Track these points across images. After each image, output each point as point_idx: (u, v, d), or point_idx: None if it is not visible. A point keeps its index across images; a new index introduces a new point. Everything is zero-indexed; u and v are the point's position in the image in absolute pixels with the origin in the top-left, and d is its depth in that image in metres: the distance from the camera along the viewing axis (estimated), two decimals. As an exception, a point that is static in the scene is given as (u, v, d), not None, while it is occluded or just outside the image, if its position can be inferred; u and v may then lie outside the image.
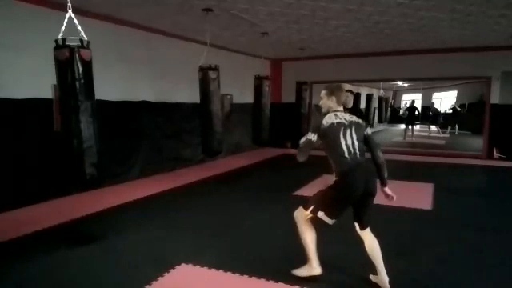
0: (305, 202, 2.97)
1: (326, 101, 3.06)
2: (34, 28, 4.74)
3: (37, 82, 4.78)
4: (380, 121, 18.56)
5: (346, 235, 3.26)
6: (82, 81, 3.35)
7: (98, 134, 3.50)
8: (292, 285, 2.89)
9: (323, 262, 3.04)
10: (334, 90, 3.07)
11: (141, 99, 6.58)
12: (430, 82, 18.71)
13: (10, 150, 4.59)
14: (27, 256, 3.39)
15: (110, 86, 5.92)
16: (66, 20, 3.33)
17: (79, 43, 3.30)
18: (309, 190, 5.94)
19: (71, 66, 3.29)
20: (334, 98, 3.03)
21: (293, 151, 10.15)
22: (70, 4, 3.32)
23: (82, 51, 3.31)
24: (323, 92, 3.08)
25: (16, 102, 4.63)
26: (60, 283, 2.96)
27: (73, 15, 3.34)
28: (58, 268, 3.20)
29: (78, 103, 3.35)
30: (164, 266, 3.18)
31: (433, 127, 17.94)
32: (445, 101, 22.19)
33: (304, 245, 3.02)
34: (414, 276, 3.12)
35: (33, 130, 4.82)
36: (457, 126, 17.43)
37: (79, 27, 3.34)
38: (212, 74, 5.49)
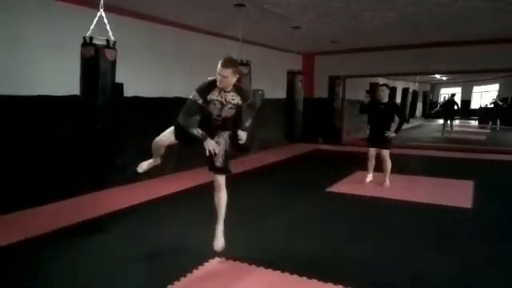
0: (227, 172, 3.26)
1: (232, 79, 3.05)
2: (73, 26, 4.89)
3: (76, 79, 4.94)
4: (412, 115, 17.84)
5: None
6: (104, 79, 3.47)
7: (105, 131, 3.63)
8: (325, 282, 2.86)
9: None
10: (235, 65, 3.04)
11: (174, 95, 6.69)
12: (469, 75, 17.91)
13: (50, 144, 4.81)
14: (69, 245, 3.55)
15: (145, 83, 6.07)
16: (96, 19, 3.44)
17: (105, 43, 3.40)
18: (342, 187, 5.88)
19: (95, 63, 3.40)
20: (238, 75, 3.08)
21: (325, 147, 10.08)
22: (102, 3, 3.43)
23: (107, 51, 3.41)
24: (229, 70, 2.96)
25: (56, 98, 4.82)
26: (97, 271, 3.07)
27: (103, 14, 3.44)
28: (94, 257, 3.32)
29: (97, 100, 3.47)
30: (198, 259, 3.22)
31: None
32: (486, 94, 21.28)
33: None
34: (448, 274, 3.02)
35: (71, 126, 4.99)
36: (498, 121, 16.67)
37: (108, 27, 3.44)
38: (243, 70, 5.48)
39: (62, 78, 4.85)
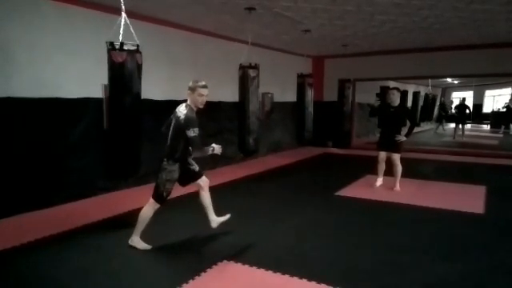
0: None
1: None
2: (87, 31, 4.98)
3: (89, 82, 5.01)
4: (422, 119, 17.49)
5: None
6: (115, 81, 3.65)
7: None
8: (334, 286, 2.84)
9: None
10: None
11: (184, 98, 6.72)
12: (482, 79, 17.68)
13: (64, 144, 4.86)
14: (83, 245, 3.58)
15: (155, 86, 6.10)
16: (116, 24, 3.50)
17: (109, 46, 3.50)
18: (352, 191, 5.84)
19: (109, 66, 3.62)
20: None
21: (334, 150, 10.03)
22: (123, 7, 3.48)
23: (113, 53, 3.52)
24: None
25: (71, 101, 4.89)
26: (108, 271, 3.09)
27: (124, 16, 3.49)
28: (105, 260, 3.34)
29: (111, 101, 3.72)
30: (206, 262, 3.23)
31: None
32: (498, 98, 20.99)
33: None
34: (461, 283, 2.98)
35: (85, 127, 5.05)
36: (511, 126, 16.43)
37: (122, 30, 3.51)
38: (251, 73, 5.48)
39: (78, 81, 4.94)
